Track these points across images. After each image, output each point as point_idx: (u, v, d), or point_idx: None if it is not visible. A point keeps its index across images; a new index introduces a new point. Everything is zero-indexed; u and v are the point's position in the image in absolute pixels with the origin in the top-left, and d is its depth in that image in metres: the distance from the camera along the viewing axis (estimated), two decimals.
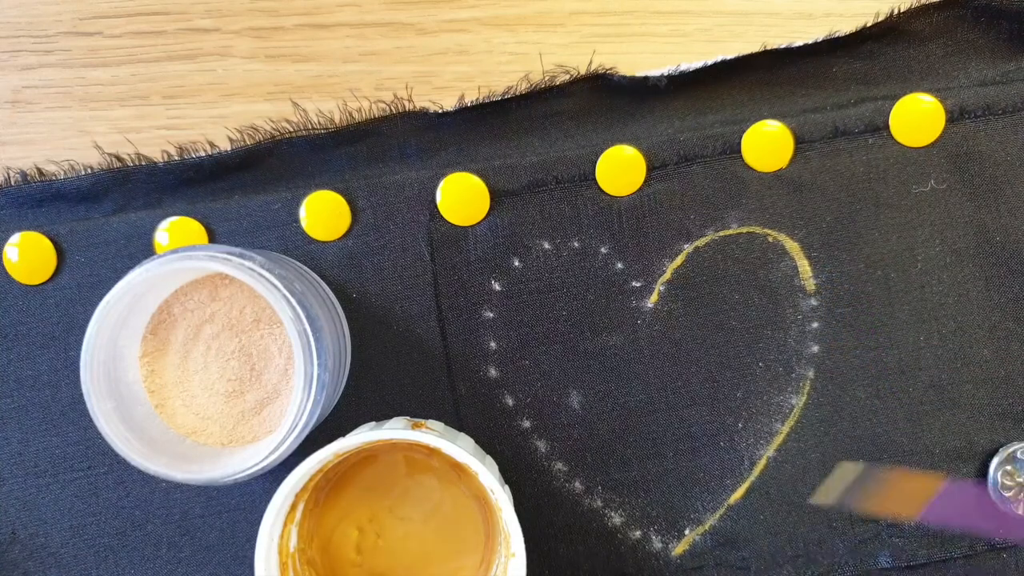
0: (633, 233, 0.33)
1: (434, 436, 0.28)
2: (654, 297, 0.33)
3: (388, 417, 0.32)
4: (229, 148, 0.34)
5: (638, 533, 0.33)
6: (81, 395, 0.27)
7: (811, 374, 0.33)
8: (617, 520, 0.33)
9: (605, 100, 0.34)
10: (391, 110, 0.34)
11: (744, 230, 0.33)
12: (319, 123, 0.34)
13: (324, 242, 0.33)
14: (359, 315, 0.33)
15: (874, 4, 0.34)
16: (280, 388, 0.30)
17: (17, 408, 0.32)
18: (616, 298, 0.33)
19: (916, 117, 0.33)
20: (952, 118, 0.33)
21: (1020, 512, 0.33)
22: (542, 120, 0.34)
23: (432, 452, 0.31)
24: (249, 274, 0.26)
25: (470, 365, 0.33)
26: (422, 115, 0.34)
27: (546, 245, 0.33)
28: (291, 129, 0.34)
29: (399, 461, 0.31)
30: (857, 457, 0.33)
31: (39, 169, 0.34)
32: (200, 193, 0.34)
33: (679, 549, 0.33)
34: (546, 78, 0.34)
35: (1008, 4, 0.33)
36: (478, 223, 0.33)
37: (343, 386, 0.32)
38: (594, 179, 0.33)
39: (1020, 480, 0.33)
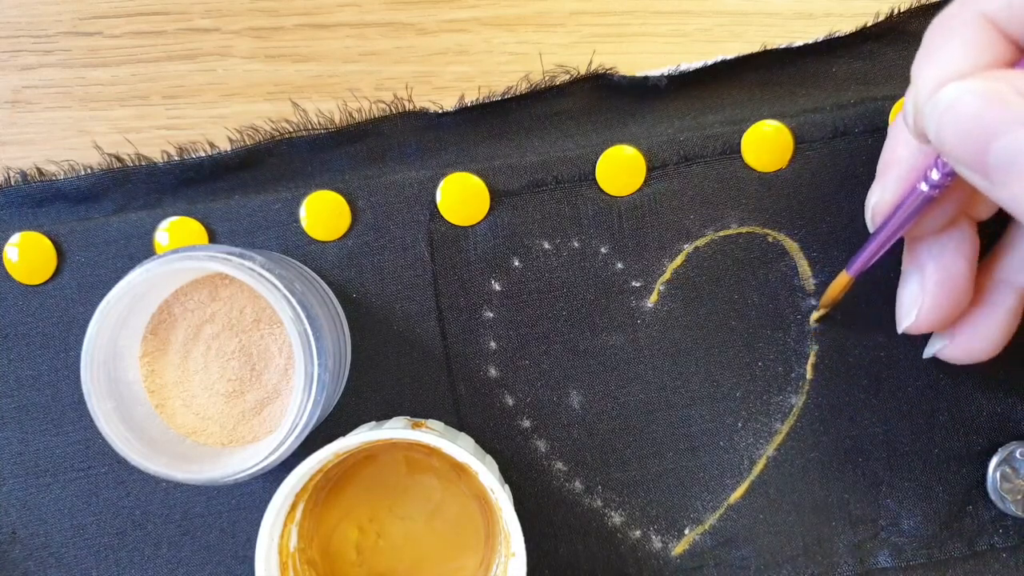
0: (633, 233, 0.33)
1: (434, 436, 0.28)
2: (654, 297, 0.33)
3: (388, 417, 0.32)
4: (229, 148, 0.34)
5: (638, 533, 0.33)
6: (81, 395, 0.27)
7: (810, 374, 0.33)
8: (617, 520, 0.33)
9: (605, 100, 0.34)
10: (391, 110, 0.34)
11: (744, 230, 0.33)
12: (319, 123, 0.34)
13: (324, 242, 0.33)
14: (359, 315, 0.33)
15: (874, 4, 0.34)
16: (280, 388, 0.30)
17: (17, 408, 0.32)
18: (616, 298, 0.33)
19: None
20: None
21: (1019, 512, 0.33)
22: (542, 120, 0.34)
23: (432, 452, 0.31)
24: (249, 274, 0.26)
25: (470, 365, 0.33)
26: (422, 115, 0.34)
27: (546, 245, 0.33)
28: (291, 129, 0.34)
29: (399, 461, 0.32)
30: (856, 456, 0.33)
31: (39, 169, 0.34)
32: (200, 193, 0.34)
33: (679, 549, 0.33)
34: (546, 78, 0.34)
35: None
36: (478, 223, 0.33)
37: (343, 386, 0.32)
38: (594, 179, 0.33)
39: (1019, 480, 0.33)
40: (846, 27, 0.34)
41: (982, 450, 0.33)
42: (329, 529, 0.31)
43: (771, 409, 0.33)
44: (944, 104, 0.21)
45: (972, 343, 0.30)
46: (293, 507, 0.28)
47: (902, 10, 0.34)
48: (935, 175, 0.25)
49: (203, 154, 0.33)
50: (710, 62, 0.34)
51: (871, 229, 0.29)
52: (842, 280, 0.31)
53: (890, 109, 0.33)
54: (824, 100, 0.34)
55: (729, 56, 0.34)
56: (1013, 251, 0.29)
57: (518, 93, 0.34)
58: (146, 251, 0.32)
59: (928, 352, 0.32)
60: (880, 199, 0.28)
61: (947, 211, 0.28)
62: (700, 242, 0.33)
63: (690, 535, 0.33)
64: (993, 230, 0.30)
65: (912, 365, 0.33)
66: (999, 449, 0.33)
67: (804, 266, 0.33)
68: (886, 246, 0.28)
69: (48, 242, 0.32)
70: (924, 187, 0.26)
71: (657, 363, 0.33)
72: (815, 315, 0.33)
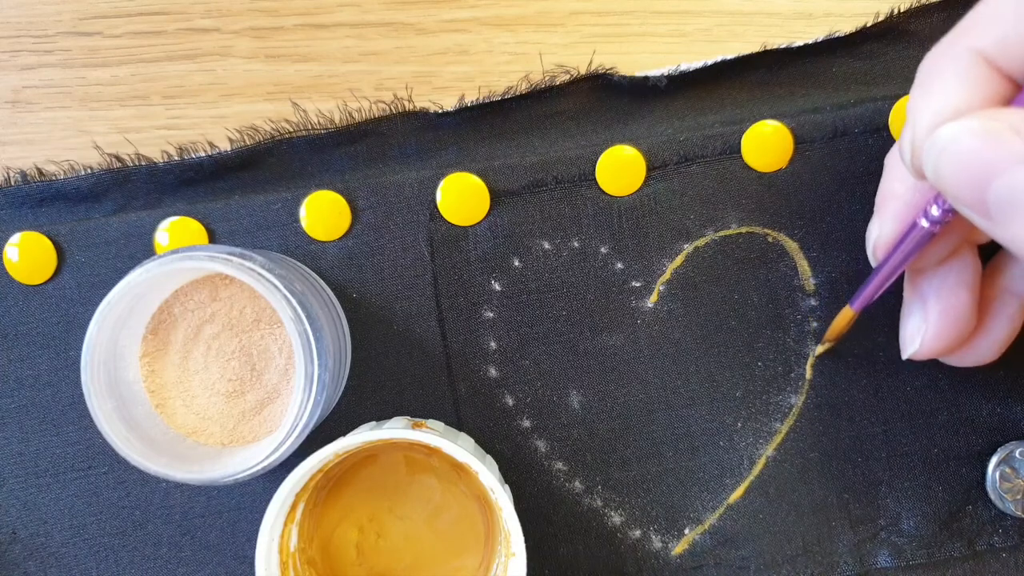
0: (633, 233, 0.33)
1: (434, 436, 0.28)
2: (654, 297, 0.33)
3: (388, 417, 0.32)
4: (229, 148, 0.34)
5: (638, 532, 0.33)
6: (81, 395, 0.27)
7: (810, 374, 0.33)
8: (617, 519, 0.33)
9: (605, 100, 0.34)
10: (391, 110, 0.34)
11: (744, 230, 0.33)
12: (319, 123, 0.34)
13: (324, 242, 0.33)
14: (359, 315, 0.33)
15: (874, 4, 0.34)
16: (280, 388, 0.30)
17: (17, 408, 0.32)
18: (616, 298, 0.33)
19: None
20: None
21: (1018, 512, 0.33)
22: (542, 120, 0.34)
23: (432, 452, 0.31)
24: (249, 274, 0.26)
25: (470, 365, 0.33)
26: (422, 115, 0.34)
27: (546, 245, 0.33)
28: (291, 129, 0.34)
29: (399, 461, 0.32)
30: (855, 456, 0.33)
31: (39, 169, 0.34)
32: (200, 193, 0.34)
33: (679, 548, 0.33)
34: (546, 78, 0.34)
35: None
36: (478, 223, 0.33)
37: (343, 386, 0.32)
38: (594, 179, 0.33)
39: (1019, 480, 0.33)
40: (846, 27, 0.34)
41: (981, 450, 0.33)
42: (329, 529, 0.31)
43: (771, 409, 0.33)
44: (942, 143, 0.21)
45: (972, 349, 0.30)
46: (293, 507, 0.29)
47: (902, 10, 0.34)
48: (935, 211, 0.25)
49: (203, 154, 0.33)
50: (710, 62, 0.34)
51: (873, 264, 0.29)
52: (846, 315, 0.31)
53: (890, 109, 0.33)
54: (824, 100, 0.34)
55: (729, 56, 0.34)
56: (1016, 261, 0.29)
57: (518, 93, 0.34)
58: (146, 251, 0.32)
59: (905, 353, 0.30)
60: (880, 235, 0.28)
61: (948, 244, 0.27)
62: (700, 242, 0.33)
63: (690, 535, 0.33)
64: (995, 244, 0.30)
65: (911, 365, 0.33)
66: (998, 449, 0.33)
67: (804, 266, 0.33)
68: (889, 281, 0.28)
69: (48, 242, 0.32)
70: (924, 223, 0.25)
71: (657, 363, 0.33)
72: (819, 349, 0.33)
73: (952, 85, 0.23)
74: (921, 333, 0.29)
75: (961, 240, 0.28)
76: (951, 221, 0.25)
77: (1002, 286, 0.29)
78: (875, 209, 0.28)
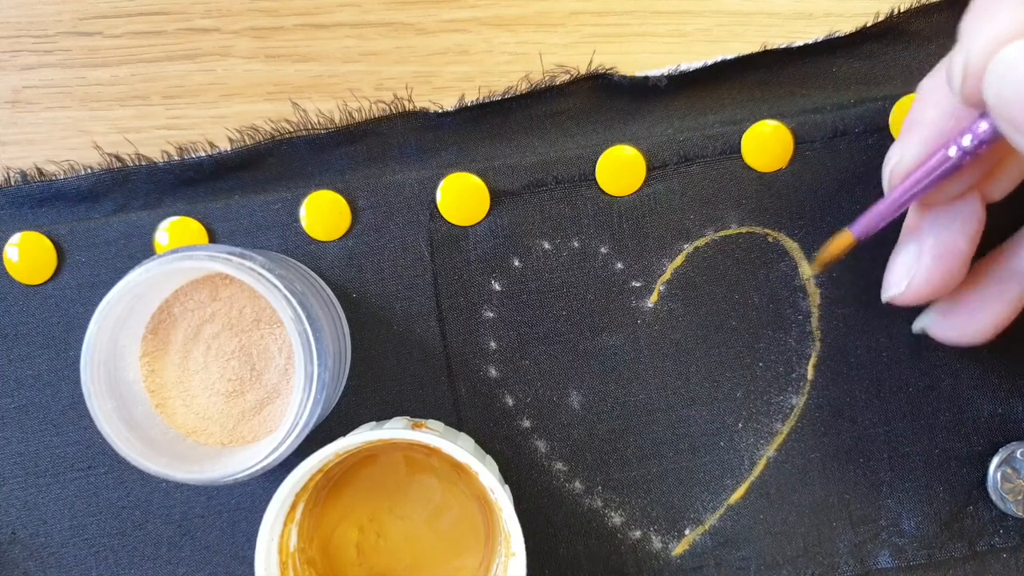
0: (633, 233, 0.33)
1: (434, 436, 0.28)
2: (654, 297, 0.33)
3: (388, 417, 0.32)
4: (229, 148, 0.34)
5: (638, 533, 0.33)
6: (81, 395, 0.27)
7: (811, 374, 0.33)
8: (617, 520, 0.33)
9: (605, 100, 0.34)
10: (391, 110, 0.34)
11: (744, 230, 0.33)
12: (319, 123, 0.34)
13: (324, 242, 0.33)
14: (359, 315, 0.33)
15: (874, 4, 0.34)
16: (280, 388, 0.30)
17: (17, 408, 0.32)
18: (616, 298, 0.33)
19: None
20: None
21: (1020, 512, 0.33)
22: (542, 120, 0.34)
23: (432, 452, 0.31)
24: (249, 274, 0.26)
25: (470, 365, 0.33)
26: (422, 115, 0.34)
27: (546, 245, 0.33)
28: (291, 129, 0.34)
29: (399, 461, 0.32)
30: (857, 457, 0.33)
31: (39, 169, 0.34)
32: (200, 193, 0.34)
33: (679, 549, 0.33)
34: (546, 78, 0.34)
35: None
36: (478, 223, 0.33)
37: (343, 386, 0.32)
38: (594, 179, 0.33)
39: (1020, 481, 0.33)
40: (846, 27, 0.34)
41: (983, 451, 0.33)
42: (329, 529, 0.31)
43: (772, 409, 0.33)
44: (1006, 64, 0.21)
45: (967, 325, 0.29)
46: (293, 507, 0.28)
47: (902, 10, 0.34)
48: (967, 141, 0.24)
49: (203, 154, 0.33)
50: (710, 62, 0.34)
51: (886, 191, 0.28)
52: (844, 239, 0.29)
53: (890, 109, 0.33)
54: (824, 100, 0.34)
55: (729, 56, 0.34)
56: None
57: (518, 93, 0.34)
58: (146, 251, 0.32)
59: (917, 326, 0.31)
60: (901, 160, 0.26)
61: (964, 182, 0.26)
62: (700, 242, 0.33)
63: (690, 535, 0.33)
64: (1003, 219, 0.29)
65: (913, 366, 0.33)
66: (1000, 450, 0.33)
67: (804, 266, 0.33)
68: (898, 210, 0.27)
69: (48, 242, 0.32)
70: (954, 152, 0.24)
71: (657, 363, 0.33)
72: (811, 271, 0.32)
73: (1013, 10, 0.22)
74: (910, 275, 0.28)
75: (975, 182, 0.27)
76: (981, 154, 0.24)
77: (1011, 267, 0.29)
78: (900, 134, 0.27)
